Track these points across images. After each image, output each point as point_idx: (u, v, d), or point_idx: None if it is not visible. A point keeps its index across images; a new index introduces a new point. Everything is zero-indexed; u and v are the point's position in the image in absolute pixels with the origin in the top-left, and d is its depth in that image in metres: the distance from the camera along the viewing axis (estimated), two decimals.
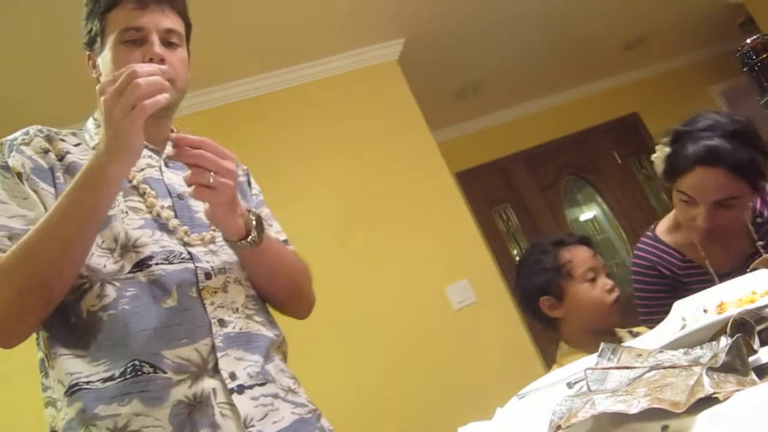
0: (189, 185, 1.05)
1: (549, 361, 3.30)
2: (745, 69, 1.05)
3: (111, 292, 1.07)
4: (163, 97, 0.98)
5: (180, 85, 1.20)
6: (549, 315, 1.71)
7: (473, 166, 4.64)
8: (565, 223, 4.77)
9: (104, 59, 1.19)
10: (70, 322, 1.07)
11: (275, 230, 1.39)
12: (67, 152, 1.16)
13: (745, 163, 1.45)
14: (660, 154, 1.61)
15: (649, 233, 1.80)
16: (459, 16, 3.40)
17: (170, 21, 1.20)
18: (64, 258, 1.01)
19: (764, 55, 1.01)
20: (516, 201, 4.79)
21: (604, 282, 1.65)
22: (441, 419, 2.50)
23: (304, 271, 1.35)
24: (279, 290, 1.28)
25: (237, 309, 1.16)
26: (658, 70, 5.22)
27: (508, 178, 4.83)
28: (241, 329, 1.15)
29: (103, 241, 1.09)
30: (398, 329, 2.90)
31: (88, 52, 1.24)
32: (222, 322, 1.12)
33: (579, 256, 1.68)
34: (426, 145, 3.32)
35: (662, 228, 1.79)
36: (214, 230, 1.20)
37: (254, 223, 1.15)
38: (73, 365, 1.04)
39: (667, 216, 1.81)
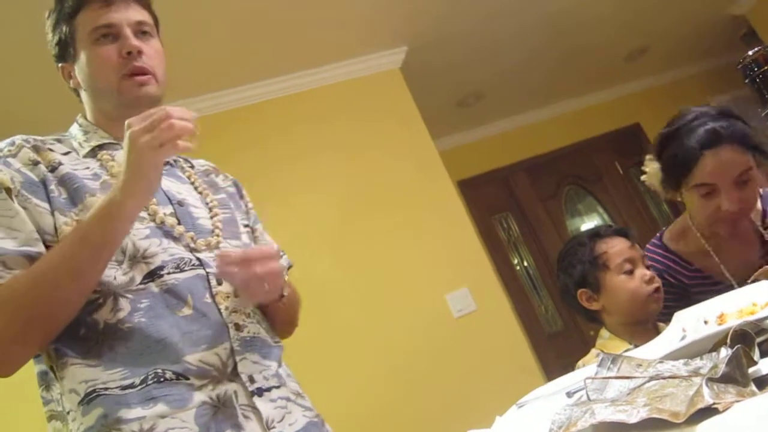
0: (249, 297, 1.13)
1: (548, 370, 3.30)
2: (747, 80, 1.06)
3: (125, 305, 1.06)
4: (189, 145, 1.00)
5: (160, 76, 1.22)
6: (588, 307, 1.69)
7: (475, 175, 4.64)
8: (566, 233, 4.77)
9: (80, 63, 1.19)
10: (79, 333, 1.04)
11: (268, 242, 1.41)
12: (59, 163, 1.12)
13: (746, 133, 1.50)
14: (651, 168, 1.62)
15: (655, 240, 1.80)
16: (461, 24, 3.41)
17: (138, 14, 1.21)
18: (74, 290, 1.00)
19: (766, 67, 1.02)
20: (517, 210, 4.79)
21: (643, 273, 1.61)
22: (440, 427, 2.51)
23: (299, 304, 1.37)
24: (278, 323, 1.30)
25: (248, 314, 1.17)
26: (660, 81, 5.23)
27: (510, 187, 4.83)
28: (254, 334, 1.15)
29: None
30: (398, 336, 2.89)
31: (61, 64, 1.24)
32: (238, 327, 1.13)
33: (615, 247, 1.65)
34: (428, 152, 3.32)
35: (669, 236, 1.78)
36: (218, 235, 1.20)
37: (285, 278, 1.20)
38: (88, 373, 1.02)
39: (673, 223, 1.80)
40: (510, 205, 4.80)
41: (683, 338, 0.94)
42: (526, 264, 4.69)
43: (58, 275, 0.98)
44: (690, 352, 0.79)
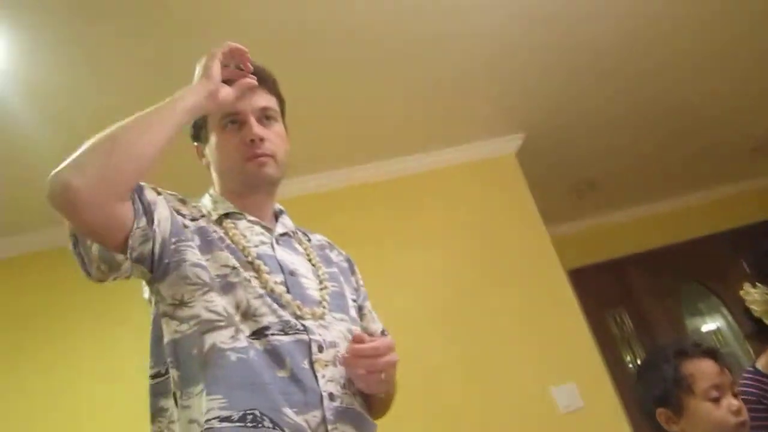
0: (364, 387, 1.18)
1: None
2: None
3: (243, 339, 1.10)
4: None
5: (280, 157, 1.30)
6: (666, 428, 1.59)
7: (587, 264, 4.50)
8: (684, 333, 4.50)
9: (210, 145, 1.31)
10: (192, 352, 1.08)
11: (375, 322, 1.43)
12: (201, 215, 1.24)
13: None
14: (755, 296, 1.52)
15: (750, 368, 1.72)
16: (580, 113, 3.40)
17: (264, 100, 1.31)
18: (142, 143, 1.07)
19: None
20: (631, 305, 4.58)
21: (730, 402, 1.50)
22: None
23: (395, 392, 1.37)
24: (372, 409, 1.29)
25: (344, 385, 1.17)
26: None
27: (624, 279, 4.64)
28: (347, 405, 1.15)
29: (224, 307, 1.12)
30: (499, 426, 2.79)
31: (196, 144, 1.37)
32: (332, 396, 1.13)
33: (703, 371, 1.55)
34: (540, 239, 3.27)
35: (762, 362, 1.71)
36: (324, 307, 1.23)
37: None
38: (204, 402, 1.04)
39: (765, 352, 1.72)
40: (624, 298, 4.60)
41: None
42: (639, 362, 4.44)
43: (128, 129, 1.08)
44: None
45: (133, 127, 1.08)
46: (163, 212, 1.13)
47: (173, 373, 1.09)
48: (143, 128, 1.09)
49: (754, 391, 1.63)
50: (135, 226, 1.07)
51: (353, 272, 1.46)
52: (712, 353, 1.60)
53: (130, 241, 1.06)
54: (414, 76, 2.77)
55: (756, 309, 1.53)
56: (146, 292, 1.21)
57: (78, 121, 2.25)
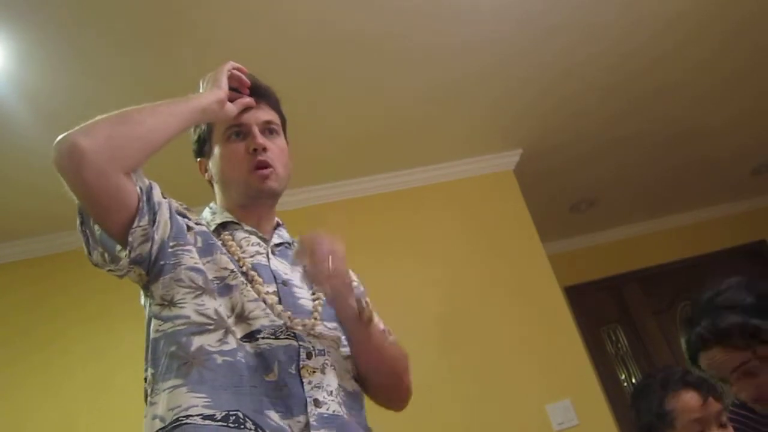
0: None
1: None
2: None
3: (232, 342, 1.11)
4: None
5: (281, 171, 1.33)
6: None
7: (583, 282, 4.50)
8: (679, 351, 4.47)
9: (214, 158, 1.35)
10: (169, 350, 1.09)
11: (376, 320, 1.41)
12: (199, 223, 1.26)
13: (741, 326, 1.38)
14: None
15: (735, 401, 1.68)
16: (578, 130, 3.42)
17: (267, 114, 1.36)
18: (149, 125, 1.12)
19: None
20: (627, 322, 4.57)
21: None
22: None
23: (405, 358, 1.38)
24: (381, 372, 1.30)
25: (331, 392, 1.17)
26: None
27: (620, 297, 4.64)
28: (334, 412, 1.15)
29: (215, 310, 1.14)
30: None
31: (199, 159, 1.41)
32: (317, 402, 1.13)
33: (684, 405, 1.55)
34: (536, 256, 3.27)
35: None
36: (315, 318, 1.23)
37: (365, 304, 1.22)
38: (175, 398, 1.05)
39: None
40: (619, 316, 4.59)
41: None
42: (634, 380, 4.42)
43: (142, 112, 1.13)
44: None
45: (146, 111, 1.13)
46: (164, 214, 1.16)
47: (149, 371, 1.12)
48: (155, 114, 1.14)
49: (741, 426, 1.61)
50: (137, 223, 1.10)
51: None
52: (696, 384, 1.59)
53: (130, 238, 1.09)
54: (413, 90, 2.78)
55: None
56: (142, 296, 1.23)
57: (74, 125, 2.25)
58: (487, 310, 3.07)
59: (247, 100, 1.32)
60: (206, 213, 1.37)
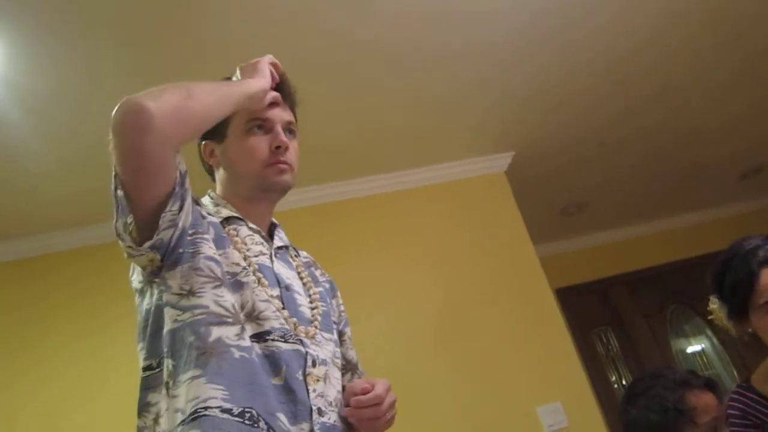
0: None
1: None
2: None
3: (247, 339, 1.09)
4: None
5: (295, 171, 1.33)
6: None
7: (574, 284, 4.52)
8: (670, 354, 4.51)
9: (227, 147, 1.31)
10: (189, 340, 1.06)
11: (352, 350, 1.45)
12: (210, 213, 1.25)
13: None
14: (714, 306, 1.56)
15: (743, 383, 1.71)
16: (569, 134, 3.43)
17: (288, 115, 1.35)
18: (206, 109, 1.12)
19: None
20: (617, 325, 4.59)
21: None
22: None
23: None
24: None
25: (331, 403, 1.17)
26: None
27: (610, 300, 4.66)
28: (334, 422, 1.15)
29: (232, 304, 1.12)
30: None
31: (204, 142, 1.35)
32: (320, 411, 1.12)
33: (706, 404, 1.58)
34: (527, 258, 3.28)
35: (757, 377, 1.70)
36: (315, 327, 1.23)
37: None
38: (194, 389, 1.01)
39: (761, 364, 1.71)
40: (610, 318, 4.61)
41: None
42: (624, 382, 4.44)
43: (203, 89, 1.13)
44: None
45: (208, 89, 1.14)
46: (189, 202, 1.12)
47: (167, 363, 1.06)
48: (215, 94, 1.15)
49: (740, 405, 1.63)
50: (169, 207, 1.06)
51: (335, 296, 1.47)
52: (712, 385, 1.64)
53: (160, 222, 1.05)
54: (404, 92, 2.78)
55: (715, 319, 1.58)
56: (138, 282, 1.17)
57: (71, 128, 2.25)
58: (478, 312, 3.08)
59: (275, 94, 1.32)
60: (207, 202, 1.33)
